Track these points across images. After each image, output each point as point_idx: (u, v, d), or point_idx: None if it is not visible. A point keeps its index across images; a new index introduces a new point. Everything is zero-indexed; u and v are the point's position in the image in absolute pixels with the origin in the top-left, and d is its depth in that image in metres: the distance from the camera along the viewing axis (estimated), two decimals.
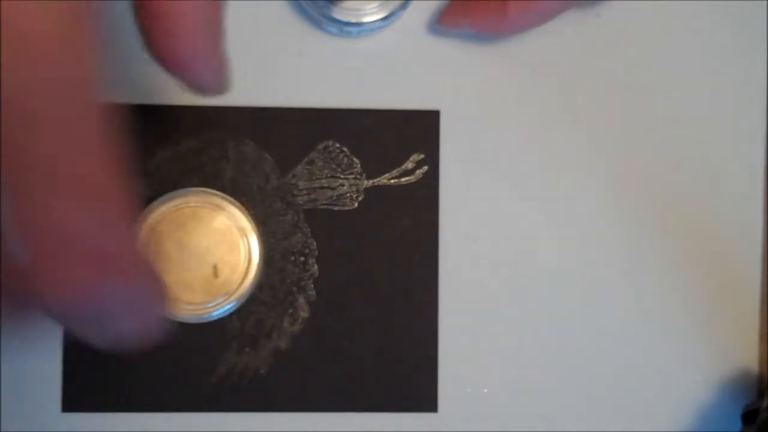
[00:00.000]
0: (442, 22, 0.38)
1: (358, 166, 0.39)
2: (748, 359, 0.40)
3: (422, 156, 0.39)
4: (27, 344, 0.38)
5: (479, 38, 0.39)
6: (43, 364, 0.38)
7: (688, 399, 0.40)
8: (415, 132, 0.39)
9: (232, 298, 0.36)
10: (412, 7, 0.38)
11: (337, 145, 0.39)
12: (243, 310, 0.38)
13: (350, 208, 0.39)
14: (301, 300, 0.39)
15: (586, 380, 0.40)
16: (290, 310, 0.39)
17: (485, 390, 0.39)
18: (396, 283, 0.39)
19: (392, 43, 0.39)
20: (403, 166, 0.39)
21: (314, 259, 0.39)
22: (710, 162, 0.40)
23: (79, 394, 0.38)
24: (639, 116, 0.40)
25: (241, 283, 0.36)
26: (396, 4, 0.37)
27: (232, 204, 0.36)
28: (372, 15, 0.37)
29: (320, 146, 0.39)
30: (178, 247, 0.36)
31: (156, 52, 0.26)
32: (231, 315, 0.38)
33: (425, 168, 0.39)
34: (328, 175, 0.39)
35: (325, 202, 0.39)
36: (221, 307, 0.36)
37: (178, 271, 0.36)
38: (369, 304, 0.39)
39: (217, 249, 0.36)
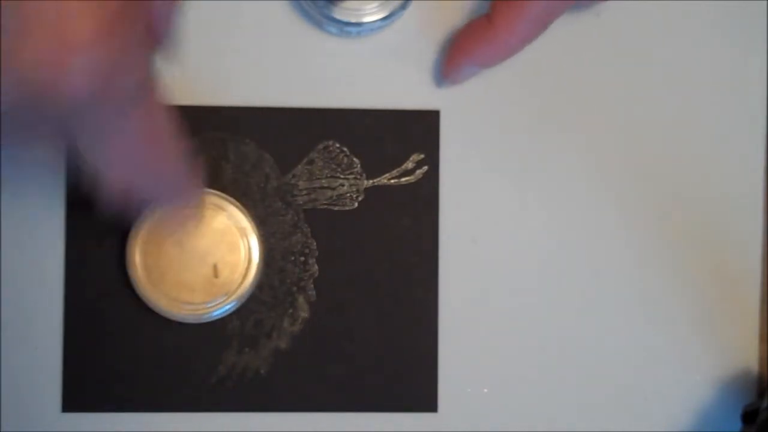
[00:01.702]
0: (447, 74, 0.38)
1: (358, 166, 0.39)
2: (748, 359, 0.40)
3: (422, 156, 0.39)
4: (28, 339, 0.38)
5: None
6: (43, 364, 0.38)
7: (688, 399, 0.40)
8: (415, 132, 0.39)
9: (232, 298, 0.36)
10: (412, 7, 0.38)
11: (337, 145, 0.39)
12: (243, 310, 0.38)
13: (350, 208, 0.39)
14: (301, 300, 0.39)
15: (586, 380, 0.40)
16: (290, 310, 0.39)
17: (485, 390, 0.39)
18: (396, 283, 0.39)
19: (392, 43, 0.39)
20: (403, 166, 0.39)
21: (314, 259, 0.39)
22: (710, 162, 0.40)
23: (79, 394, 0.38)
24: (639, 116, 0.40)
25: (241, 283, 0.36)
26: (396, 4, 0.37)
27: (232, 204, 0.36)
28: (372, 15, 0.37)
29: (320, 146, 0.39)
30: (178, 247, 0.36)
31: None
32: (231, 315, 0.38)
33: (425, 168, 0.39)
34: (328, 175, 0.39)
35: (325, 202, 0.39)
36: (221, 307, 0.36)
37: (178, 271, 0.36)
38: (369, 304, 0.39)
39: (217, 249, 0.36)
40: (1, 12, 0.25)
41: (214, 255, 0.36)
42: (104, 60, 0.26)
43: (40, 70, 0.26)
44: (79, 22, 0.26)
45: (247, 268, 0.37)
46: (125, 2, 0.27)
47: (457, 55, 0.38)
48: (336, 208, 0.39)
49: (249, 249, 0.37)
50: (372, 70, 0.39)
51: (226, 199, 0.36)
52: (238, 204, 0.37)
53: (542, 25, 0.37)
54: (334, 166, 0.39)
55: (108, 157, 0.29)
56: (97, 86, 0.27)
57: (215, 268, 0.36)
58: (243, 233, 0.36)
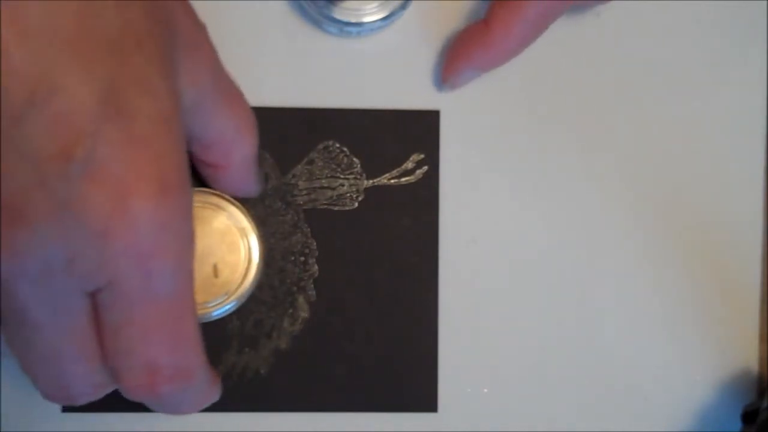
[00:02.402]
0: (446, 79, 0.38)
1: (358, 166, 0.39)
2: (748, 359, 0.40)
3: (422, 156, 0.39)
4: None
5: None
6: None
7: (688, 399, 0.40)
8: (415, 132, 0.39)
9: (232, 298, 0.36)
10: (412, 7, 0.38)
11: (337, 145, 0.39)
12: (243, 310, 0.38)
13: (350, 208, 0.39)
14: (301, 300, 0.39)
15: (586, 380, 0.40)
16: (290, 310, 0.39)
17: (485, 390, 0.39)
18: (396, 283, 0.39)
19: (392, 43, 0.39)
20: (403, 166, 0.39)
21: (314, 259, 0.39)
22: (710, 162, 0.40)
23: None
24: (639, 116, 0.40)
25: (241, 283, 0.36)
26: (396, 4, 0.37)
27: (232, 204, 0.36)
28: (372, 15, 0.37)
29: (320, 146, 0.39)
30: None
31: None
32: (231, 315, 0.38)
33: (425, 168, 0.39)
34: (328, 175, 0.39)
35: (325, 202, 0.39)
36: (221, 307, 0.36)
37: None
38: (369, 304, 0.39)
39: (217, 249, 0.36)
40: (72, 158, 0.26)
41: (214, 255, 0.36)
42: (159, 217, 0.27)
43: (96, 217, 0.26)
44: (143, 176, 0.27)
45: (247, 268, 0.36)
46: (183, 161, 0.29)
47: (455, 59, 0.38)
48: (336, 208, 0.39)
49: (249, 249, 0.36)
50: (372, 70, 0.39)
51: (226, 199, 0.36)
52: (238, 204, 0.37)
53: (539, 27, 0.36)
54: (334, 166, 0.39)
55: (128, 326, 0.29)
56: (149, 242, 0.27)
57: (215, 267, 0.36)
58: (243, 233, 0.36)
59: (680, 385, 0.40)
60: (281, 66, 0.39)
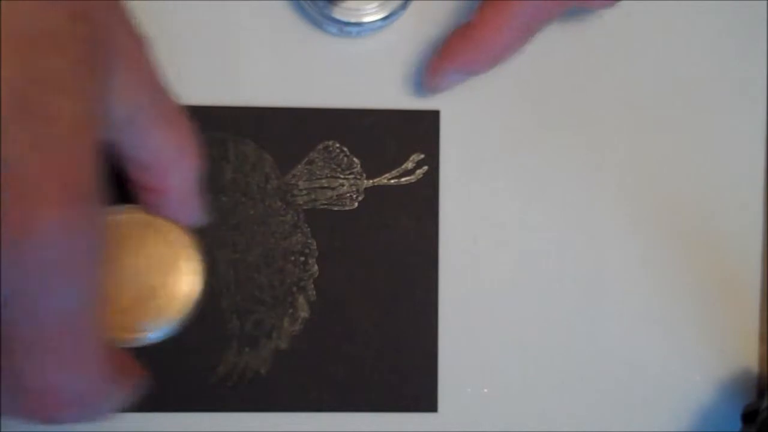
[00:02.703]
0: (429, 81, 0.38)
1: (358, 166, 0.39)
2: (748, 359, 0.40)
3: (422, 156, 0.39)
4: None
5: None
6: None
7: (688, 399, 0.40)
8: (415, 132, 0.39)
9: (170, 321, 0.34)
10: (412, 7, 0.38)
11: (337, 145, 0.39)
12: (243, 310, 0.38)
13: (350, 208, 0.39)
14: (301, 300, 0.39)
15: (586, 380, 0.40)
16: (290, 310, 0.39)
17: (485, 390, 0.39)
18: (396, 283, 0.39)
19: (392, 43, 0.39)
20: (403, 166, 0.39)
21: (314, 259, 0.39)
22: (710, 162, 0.40)
23: None
24: (639, 117, 0.40)
25: (180, 307, 0.34)
26: (396, 4, 0.37)
27: (176, 227, 0.34)
28: (372, 15, 0.37)
29: (320, 146, 0.39)
30: (116, 263, 0.34)
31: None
32: (231, 315, 0.38)
33: (425, 168, 0.39)
34: (328, 175, 0.39)
35: (325, 202, 0.39)
36: (157, 331, 0.34)
37: (113, 288, 0.33)
38: (369, 304, 0.39)
39: (155, 271, 0.34)
40: None
41: (151, 277, 0.34)
42: (64, 226, 0.25)
43: (3, 224, 0.25)
44: (49, 181, 0.25)
45: (187, 293, 0.34)
46: (96, 169, 0.27)
47: (440, 61, 0.37)
48: (336, 208, 0.39)
49: (190, 273, 0.34)
50: (372, 70, 0.39)
51: (169, 222, 0.34)
52: (183, 228, 0.35)
53: (528, 31, 0.36)
54: (334, 166, 0.39)
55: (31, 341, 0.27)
56: (51, 253, 0.25)
57: (152, 290, 0.34)
58: (185, 257, 0.34)
59: (680, 385, 0.40)
60: (281, 66, 0.39)
